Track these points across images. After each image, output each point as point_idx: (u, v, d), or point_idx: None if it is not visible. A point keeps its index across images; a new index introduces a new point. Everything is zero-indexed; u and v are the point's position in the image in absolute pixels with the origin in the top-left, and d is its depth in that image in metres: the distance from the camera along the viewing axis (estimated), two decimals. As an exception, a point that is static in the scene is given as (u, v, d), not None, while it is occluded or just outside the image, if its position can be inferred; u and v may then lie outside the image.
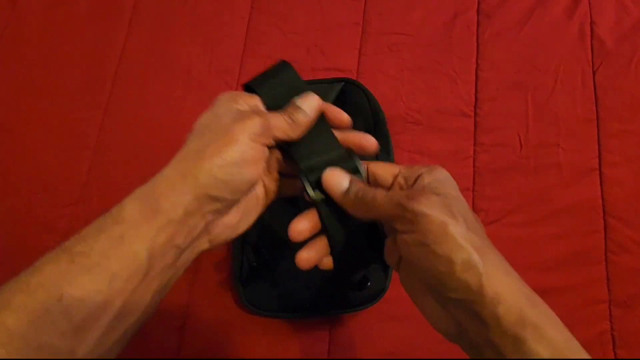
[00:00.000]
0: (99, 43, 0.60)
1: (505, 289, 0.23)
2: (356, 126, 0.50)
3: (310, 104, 0.29)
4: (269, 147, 0.28)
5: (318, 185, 0.29)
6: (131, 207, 0.25)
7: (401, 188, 0.29)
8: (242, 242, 0.47)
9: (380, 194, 0.27)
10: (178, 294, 0.48)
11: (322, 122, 0.31)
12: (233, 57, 0.59)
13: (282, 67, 0.31)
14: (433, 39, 0.58)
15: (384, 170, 0.30)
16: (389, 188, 0.29)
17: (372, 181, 0.31)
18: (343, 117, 0.31)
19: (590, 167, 0.51)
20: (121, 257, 0.24)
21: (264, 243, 0.46)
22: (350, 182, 0.28)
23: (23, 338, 0.21)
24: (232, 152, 0.26)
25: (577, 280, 0.48)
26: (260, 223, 0.47)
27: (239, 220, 0.29)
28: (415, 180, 0.28)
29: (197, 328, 0.47)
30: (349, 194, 0.28)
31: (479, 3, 0.59)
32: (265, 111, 0.29)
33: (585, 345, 0.48)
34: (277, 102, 0.29)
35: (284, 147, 0.31)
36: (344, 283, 0.44)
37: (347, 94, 0.50)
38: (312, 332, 0.47)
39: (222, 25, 0.60)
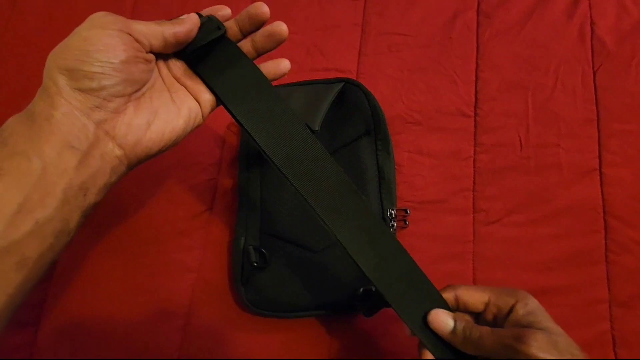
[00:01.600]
0: (99, 43, 0.60)
1: None
2: (356, 126, 0.50)
3: (188, 15, 0.32)
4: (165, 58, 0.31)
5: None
6: (9, 122, 0.26)
7: (495, 317, 0.31)
8: (244, 243, 0.47)
9: (485, 332, 0.29)
10: (179, 294, 0.48)
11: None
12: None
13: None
14: (433, 39, 0.58)
15: (473, 299, 0.32)
16: (480, 314, 0.32)
17: (462, 308, 0.33)
18: (224, 10, 0.34)
19: (591, 167, 0.51)
20: (5, 156, 0.25)
21: (265, 243, 0.46)
22: (455, 320, 0.31)
23: None
24: (73, 39, 0.27)
25: (578, 280, 0.48)
26: (262, 223, 0.48)
27: (148, 122, 0.30)
28: (509, 310, 0.30)
29: (198, 328, 0.47)
30: (456, 333, 0.30)
31: (479, 3, 0.59)
32: None
33: (586, 345, 0.48)
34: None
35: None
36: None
37: (347, 94, 0.50)
38: (312, 332, 0.47)
39: (222, 25, 0.60)
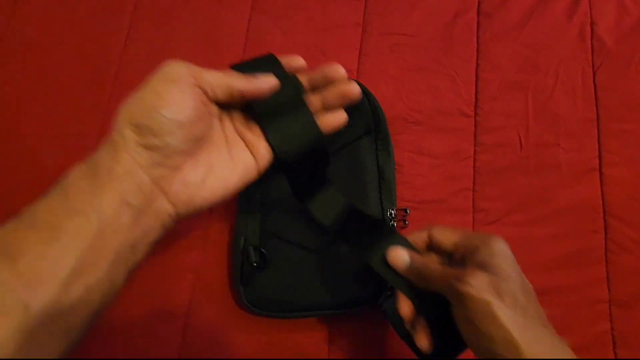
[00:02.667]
0: (100, 43, 0.60)
1: None
2: (356, 126, 0.50)
3: (266, 76, 0.30)
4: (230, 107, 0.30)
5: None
6: (73, 172, 0.26)
7: (462, 259, 0.31)
8: (244, 243, 0.47)
9: (436, 270, 0.30)
10: (179, 294, 0.48)
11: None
12: (233, 57, 0.59)
13: (268, 58, 0.33)
14: (433, 39, 0.58)
15: (445, 238, 0.33)
16: (450, 255, 0.32)
17: (436, 247, 0.33)
18: (299, 61, 0.33)
19: (591, 167, 0.51)
20: (66, 214, 0.24)
21: (265, 243, 0.46)
22: (411, 257, 0.32)
23: None
24: (146, 93, 0.26)
25: (577, 280, 0.48)
26: (262, 223, 0.48)
27: (203, 178, 0.29)
28: (473, 251, 0.30)
29: (198, 328, 0.47)
30: (411, 269, 0.31)
31: (479, 3, 0.59)
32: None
33: (585, 345, 0.49)
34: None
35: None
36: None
37: (348, 94, 0.50)
38: (312, 332, 0.47)
39: (222, 25, 0.60)
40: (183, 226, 0.50)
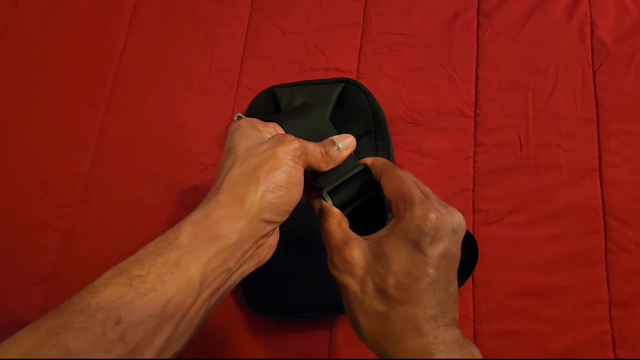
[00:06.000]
0: (100, 43, 0.60)
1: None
2: (356, 126, 0.50)
3: (345, 143, 0.32)
4: None
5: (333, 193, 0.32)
6: (188, 232, 0.26)
7: (397, 215, 0.29)
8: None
9: (334, 232, 0.30)
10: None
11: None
12: (233, 57, 0.59)
13: (305, 106, 0.34)
14: (433, 39, 0.58)
15: (388, 188, 0.31)
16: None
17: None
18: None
19: (590, 167, 0.51)
20: (176, 281, 0.24)
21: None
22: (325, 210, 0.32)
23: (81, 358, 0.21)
24: (281, 174, 0.27)
25: (577, 280, 0.48)
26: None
27: (277, 239, 0.31)
28: (396, 217, 0.29)
29: (197, 328, 0.47)
30: (322, 224, 0.31)
31: (479, 3, 0.59)
32: (300, 139, 0.30)
33: (585, 345, 0.49)
34: (299, 135, 0.31)
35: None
36: None
37: (347, 94, 0.50)
38: (312, 332, 0.47)
39: (222, 25, 0.60)
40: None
